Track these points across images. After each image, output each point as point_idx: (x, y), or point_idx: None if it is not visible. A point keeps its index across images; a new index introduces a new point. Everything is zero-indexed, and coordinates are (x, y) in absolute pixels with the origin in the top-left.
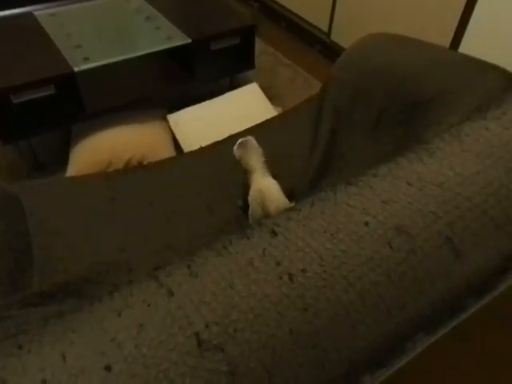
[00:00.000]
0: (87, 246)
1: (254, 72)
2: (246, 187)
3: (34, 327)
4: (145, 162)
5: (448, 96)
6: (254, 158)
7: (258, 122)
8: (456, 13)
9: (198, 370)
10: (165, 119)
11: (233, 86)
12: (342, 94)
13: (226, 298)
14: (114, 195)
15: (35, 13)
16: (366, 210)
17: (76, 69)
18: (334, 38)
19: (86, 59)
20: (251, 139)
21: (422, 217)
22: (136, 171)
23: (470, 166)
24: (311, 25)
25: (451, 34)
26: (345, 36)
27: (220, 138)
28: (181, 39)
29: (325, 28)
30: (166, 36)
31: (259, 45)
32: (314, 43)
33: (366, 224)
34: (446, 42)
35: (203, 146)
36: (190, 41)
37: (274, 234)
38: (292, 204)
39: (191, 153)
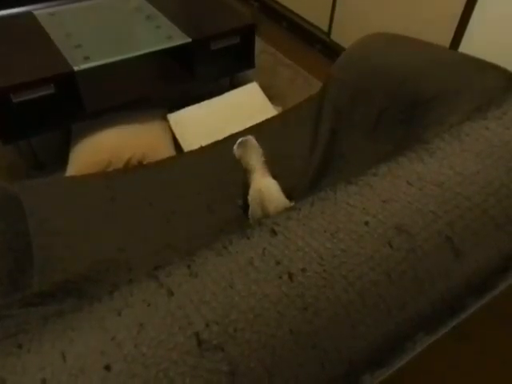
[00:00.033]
0: (87, 245)
1: (254, 71)
2: (246, 187)
3: (34, 326)
4: (145, 162)
5: (448, 96)
6: (254, 157)
7: (257, 121)
8: (456, 13)
9: (197, 369)
10: (165, 119)
11: (233, 86)
12: (342, 94)
13: (225, 297)
14: (114, 195)
15: (35, 12)
16: (365, 210)
17: (76, 68)
18: (334, 37)
19: (86, 58)
20: (251, 139)
21: (422, 216)
22: (136, 171)
23: (470, 166)
24: (311, 24)
25: (451, 34)
26: (345, 36)
27: (220, 137)
28: (181, 39)
29: (325, 28)
30: (166, 35)
31: (259, 44)
32: (314, 43)
33: (366, 223)
34: (445, 42)
35: (203, 145)
36: (190, 40)
37: (273, 233)
38: (292, 204)
39: (191, 152)
